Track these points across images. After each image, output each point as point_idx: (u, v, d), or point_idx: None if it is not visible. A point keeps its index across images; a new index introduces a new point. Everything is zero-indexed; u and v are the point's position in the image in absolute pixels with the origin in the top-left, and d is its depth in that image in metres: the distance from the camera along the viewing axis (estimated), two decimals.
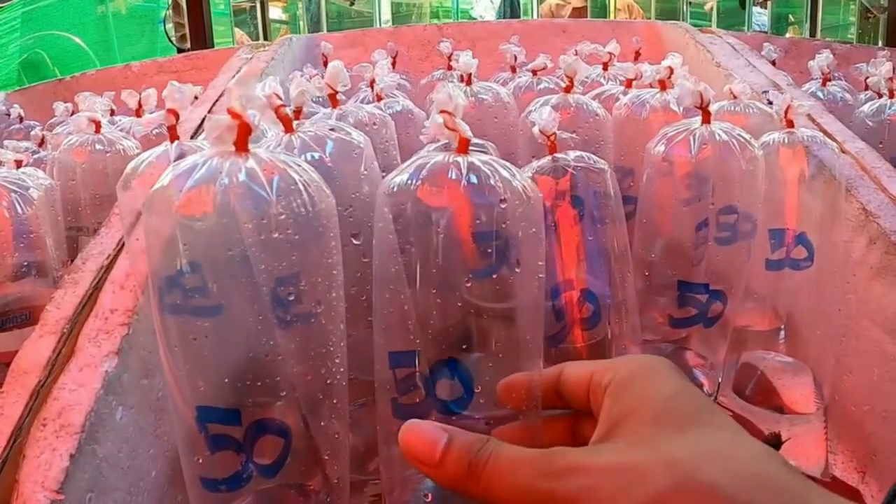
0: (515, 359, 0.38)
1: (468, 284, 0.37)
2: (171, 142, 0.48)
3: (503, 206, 0.37)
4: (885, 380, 0.62)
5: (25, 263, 0.67)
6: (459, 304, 0.37)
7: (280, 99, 0.43)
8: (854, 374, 0.67)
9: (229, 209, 0.32)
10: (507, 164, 0.40)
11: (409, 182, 0.37)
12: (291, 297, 0.34)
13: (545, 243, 0.41)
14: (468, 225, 0.37)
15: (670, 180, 0.63)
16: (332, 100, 0.59)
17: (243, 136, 0.33)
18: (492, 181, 0.37)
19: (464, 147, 0.39)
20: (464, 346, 0.38)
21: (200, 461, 0.35)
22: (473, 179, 0.37)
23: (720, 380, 0.67)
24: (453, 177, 0.37)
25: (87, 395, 0.47)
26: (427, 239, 0.37)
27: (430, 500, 0.39)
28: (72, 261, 0.68)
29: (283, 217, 0.32)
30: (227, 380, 0.35)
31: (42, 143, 1.08)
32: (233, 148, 0.33)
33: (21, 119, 1.24)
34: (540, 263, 0.40)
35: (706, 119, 0.62)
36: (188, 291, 0.33)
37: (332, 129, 0.45)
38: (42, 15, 3.19)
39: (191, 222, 0.32)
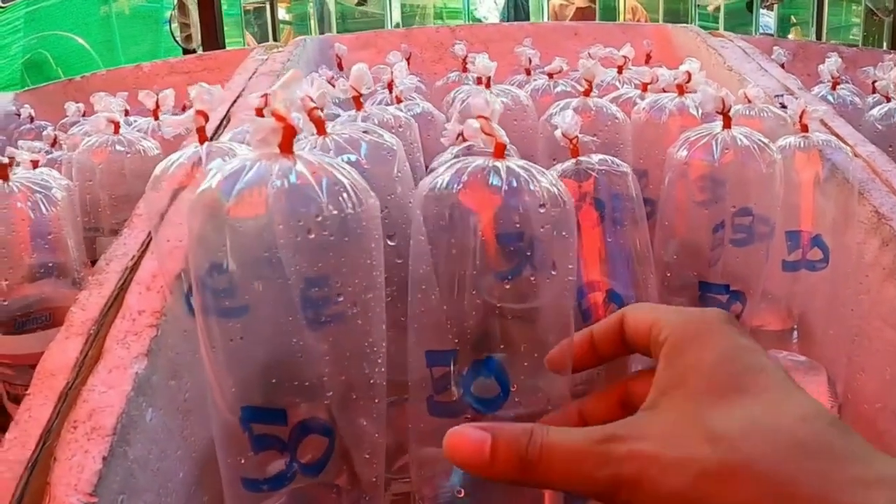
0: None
1: (506, 286, 0.38)
2: (201, 143, 0.48)
3: (542, 210, 0.38)
4: None
5: (46, 264, 0.67)
6: (498, 305, 0.38)
7: (313, 101, 0.43)
8: (867, 373, 0.68)
9: (281, 211, 0.32)
10: (543, 169, 0.40)
11: (450, 185, 0.38)
12: (340, 298, 0.34)
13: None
14: (508, 228, 0.38)
15: (692, 184, 0.63)
16: (357, 102, 0.59)
17: (288, 139, 0.33)
18: (531, 186, 0.38)
19: (500, 152, 0.39)
20: (501, 346, 0.39)
21: (243, 461, 0.36)
22: (514, 184, 0.38)
23: None
24: (494, 182, 0.38)
25: (118, 396, 0.47)
26: (466, 241, 0.38)
27: (462, 495, 0.40)
28: (93, 262, 0.69)
29: (333, 218, 0.33)
30: (271, 380, 0.35)
31: (55, 143, 1.08)
32: (277, 150, 0.33)
33: (32, 119, 1.24)
34: (571, 267, 0.41)
35: (727, 124, 0.62)
36: (234, 293, 0.33)
37: (364, 132, 0.45)
38: (45, 15, 3.19)
39: (241, 224, 0.32)
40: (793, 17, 3.40)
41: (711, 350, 0.31)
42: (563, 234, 0.40)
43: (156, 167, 0.49)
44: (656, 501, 0.28)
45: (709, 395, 0.29)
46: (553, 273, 0.39)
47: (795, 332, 0.73)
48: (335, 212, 0.33)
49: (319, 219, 0.33)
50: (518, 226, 0.38)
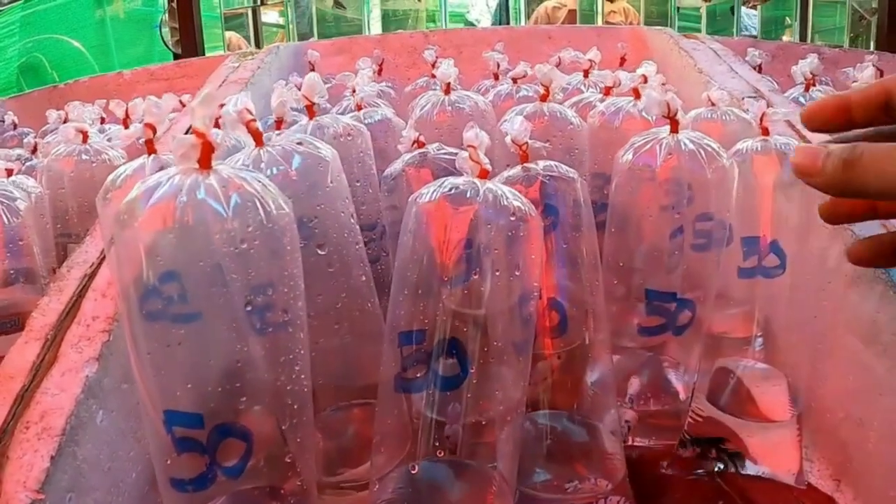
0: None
1: (475, 279, 0.45)
2: (149, 155, 0.50)
3: (512, 218, 0.46)
4: (860, 387, 0.61)
5: (14, 270, 0.68)
6: (466, 294, 0.45)
7: (251, 114, 0.44)
8: (829, 381, 0.67)
9: (188, 225, 0.34)
10: (515, 191, 0.48)
11: (434, 197, 0.46)
12: (255, 308, 0.36)
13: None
14: (482, 235, 0.45)
15: (638, 189, 0.64)
16: (309, 111, 0.61)
17: (206, 154, 0.35)
18: (503, 202, 0.46)
19: (484, 175, 0.48)
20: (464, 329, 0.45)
21: (169, 462, 0.37)
22: (490, 198, 0.46)
23: (694, 385, 0.68)
24: (471, 195, 0.46)
25: (68, 399, 0.48)
26: (446, 242, 0.45)
27: (415, 472, 0.45)
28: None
29: (239, 231, 0.34)
30: (192, 385, 0.36)
31: (35, 150, 1.10)
32: (196, 165, 0.35)
33: (15, 126, 1.25)
34: (537, 272, 0.48)
35: (674, 128, 0.63)
36: (153, 301, 0.35)
37: (299, 143, 0.47)
38: (41, 19, 3.21)
39: (153, 236, 0.34)
40: (787, 19, 3.39)
41: None
42: (533, 242, 0.48)
43: (107, 178, 0.51)
44: None
45: None
46: (517, 273, 0.46)
47: (760, 339, 0.72)
48: (241, 225, 0.34)
49: (222, 235, 0.34)
50: (492, 233, 0.45)
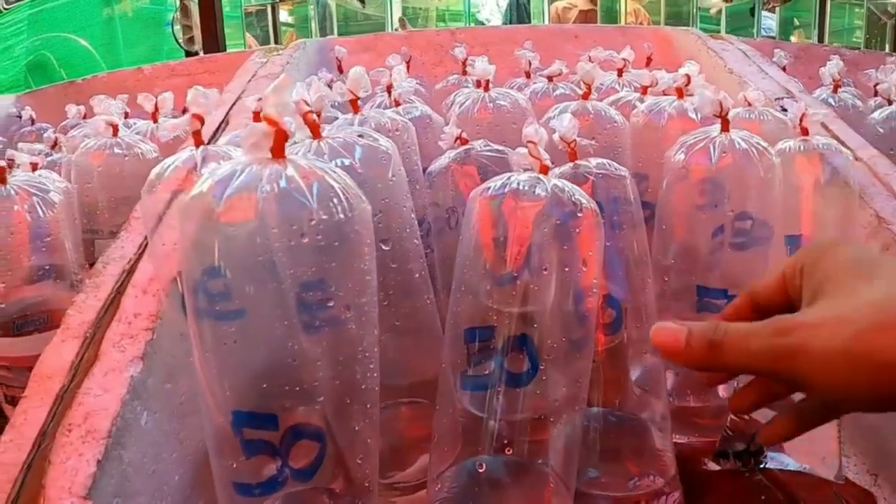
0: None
1: (545, 274, 0.44)
2: (196, 146, 0.48)
3: (579, 216, 0.45)
4: None
5: (44, 266, 0.67)
6: (536, 289, 0.44)
7: (308, 105, 0.43)
8: None
9: (271, 215, 0.32)
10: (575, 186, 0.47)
11: (502, 191, 0.45)
12: (329, 303, 0.34)
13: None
14: (549, 230, 0.44)
15: (689, 187, 0.63)
16: (354, 105, 0.59)
17: (280, 144, 0.33)
18: (570, 197, 0.46)
19: (544, 170, 0.47)
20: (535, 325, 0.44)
21: (235, 466, 0.35)
22: (558, 194, 0.45)
23: (736, 385, 0.67)
24: (540, 192, 0.45)
25: (113, 399, 0.47)
26: (513, 237, 0.44)
27: (480, 469, 0.44)
28: (91, 265, 0.69)
29: (322, 223, 0.33)
30: (262, 385, 0.35)
31: (55, 145, 1.08)
32: (269, 155, 0.33)
33: (33, 121, 1.24)
34: (598, 268, 0.48)
35: (725, 127, 0.62)
36: (225, 297, 0.33)
37: (359, 136, 0.45)
38: (48, 17, 3.19)
39: (231, 228, 0.32)
40: (795, 20, 3.40)
41: (847, 254, 0.37)
42: (591, 239, 0.47)
43: (152, 170, 0.49)
44: (817, 364, 0.33)
45: (858, 278, 0.35)
46: (584, 269, 0.46)
47: None
48: (325, 216, 0.33)
49: (311, 223, 0.33)
50: (559, 227, 0.44)
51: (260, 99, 0.61)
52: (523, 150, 0.48)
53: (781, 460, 0.61)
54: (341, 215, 0.33)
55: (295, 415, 0.35)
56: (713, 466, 0.62)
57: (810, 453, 0.62)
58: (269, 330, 0.35)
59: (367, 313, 0.36)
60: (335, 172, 0.34)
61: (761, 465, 0.61)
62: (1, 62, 2.97)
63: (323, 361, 0.35)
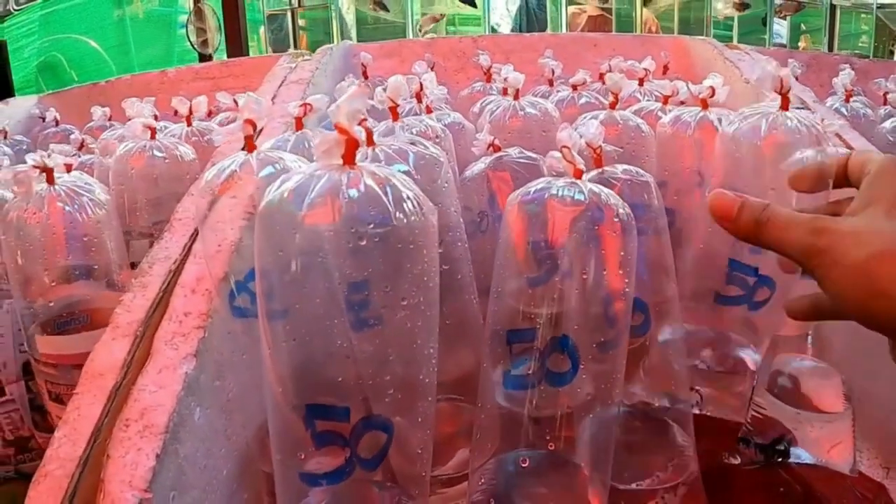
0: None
1: (584, 277, 0.46)
2: (249, 151, 0.50)
3: (616, 220, 0.47)
4: None
5: (85, 266, 0.68)
6: (577, 291, 0.45)
7: (363, 112, 0.44)
8: (880, 376, 0.69)
9: (351, 219, 0.34)
10: (610, 191, 0.49)
11: (539, 196, 0.47)
12: (403, 301, 0.36)
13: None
14: (588, 232, 0.46)
15: (740, 164, 0.64)
16: (393, 113, 0.61)
17: (351, 151, 0.35)
18: (609, 201, 0.47)
19: (578, 174, 0.49)
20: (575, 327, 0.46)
21: (303, 457, 0.37)
22: (595, 198, 0.47)
23: (755, 381, 0.69)
24: (577, 196, 0.47)
25: (169, 396, 0.48)
26: (551, 240, 0.46)
27: (524, 463, 0.47)
28: (132, 265, 0.70)
29: (399, 226, 0.35)
30: (336, 378, 0.36)
31: (82, 146, 1.10)
32: (340, 161, 0.35)
33: (57, 122, 1.26)
34: (632, 271, 0.50)
35: (785, 105, 0.62)
36: (301, 296, 0.35)
37: (411, 143, 0.47)
38: (59, 18, 3.21)
39: (313, 231, 0.34)
40: (803, 25, 3.42)
41: None
42: (626, 243, 0.49)
43: (204, 173, 0.51)
44: (838, 270, 0.37)
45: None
46: (619, 272, 0.48)
47: (810, 338, 0.75)
48: (402, 220, 0.35)
49: (387, 227, 0.34)
50: (595, 231, 0.46)
51: (302, 105, 0.63)
52: (557, 154, 0.50)
53: (797, 454, 0.63)
54: (414, 218, 0.35)
55: (365, 407, 0.37)
56: (732, 461, 0.64)
57: (828, 447, 0.64)
58: (340, 327, 0.36)
59: (429, 313, 0.38)
60: (403, 178, 0.36)
61: (779, 459, 0.62)
62: (12, 63, 3.00)
63: (390, 357, 0.37)
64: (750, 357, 0.70)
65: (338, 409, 0.36)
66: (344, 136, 0.35)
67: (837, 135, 0.89)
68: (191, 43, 2.21)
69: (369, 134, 0.45)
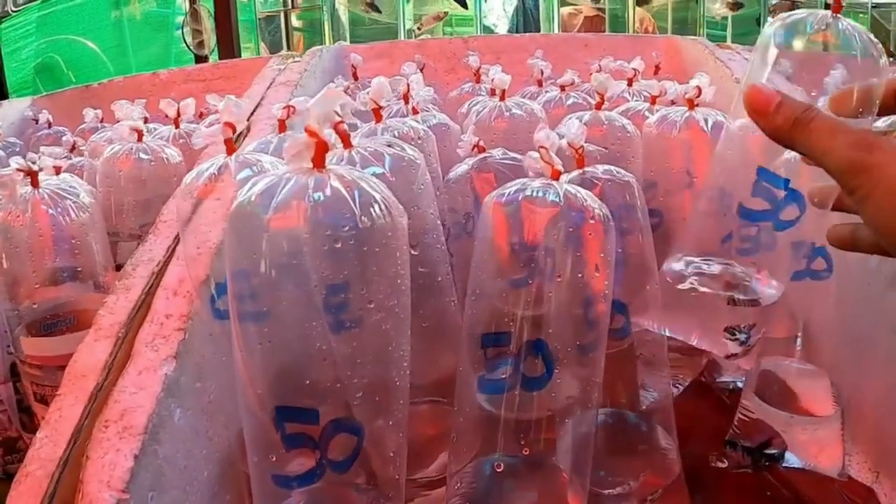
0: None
1: (559, 279, 0.45)
2: (229, 154, 0.50)
3: (592, 221, 0.46)
4: None
5: (71, 268, 0.69)
6: (552, 294, 0.45)
7: (339, 115, 0.44)
8: (870, 379, 0.69)
9: (316, 222, 0.34)
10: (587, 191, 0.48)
11: (514, 197, 0.46)
12: (371, 304, 0.36)
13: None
14: (563, 235, 0.46)
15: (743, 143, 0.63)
16: (377, 114, 0.61)
17: (321, 154, 0.35)
18: (584, 203, 0.47)
19: (556, 175, 0.48)
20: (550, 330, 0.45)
21: (275, 459, 0.37)
22: (571, 199, 0.46)
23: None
24: (552, 197, 0.46)
25: (148, 397, 0.48)
26: (526, 242, 0.46)
27: (498, 468, 0.46)
28: (118, 267, 0.70)
29: (364, 229, 0.35)
30: (304, 381, 0.36)
31: (73, 148, 1.10)
32: (310, 165, 0.35)
33: (49, 124, 1.26)
34: (611, 273, 0.49)
35: None
36: (269, 299, 0.35)
37: (388, 145, 0.47)
38: (57, 19, 3.22)
39: (279, 235, 0.34)
40: None
41: None
42: (604, 244, 0.48)
43: (185, 176, 0.51)
44: (882, 191, 0.34)
45: None
46: (597, 274, 0.47)
47: (799, 340, 0.74)
48: (368, 223, 0.35)
49: (353, 230, 0.34)
50: (570, 232, 0.46)
51: (286, 107, 0.63)
52: (536, 155, 0.50)
53: (785, 457, 0.63)
54: (381, 221, 0.35)
55: (335, 410, 0.37)
56: (720, 464, 0.64)
57: (816, 451, 0.64)
58: (309, 330, 0.36)
59: (401, 315, 0.38)
60: (373, 181, 0.36)
61: (767, 463, 0.62)
62: (9, 64, 3.00)
63: (360, 360, 0.37)
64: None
65: (307, 412, 0.36)
66: (314, 139, 0.35)
67: None
68: (187, 44, 2.21)
69: (346, 136, 0.45)
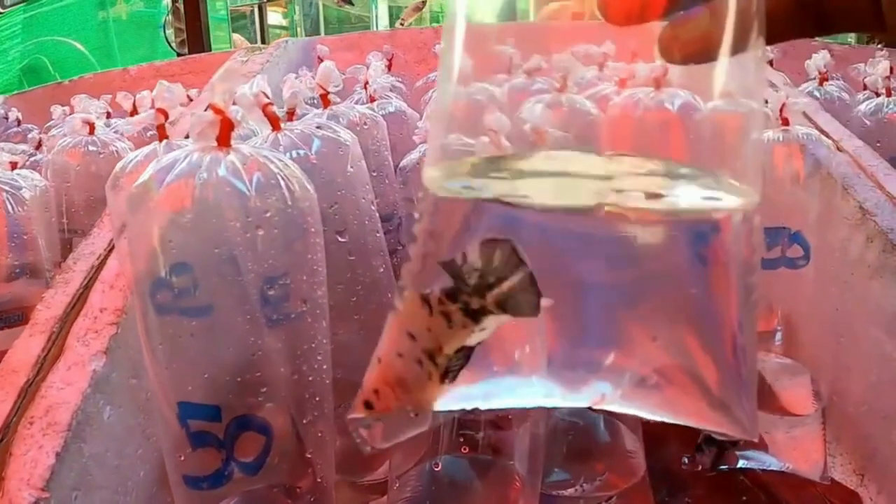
0: None
1: None
2: (160, 141, 0.48)
3: None
4: (884, 380, 0.61)
5: (18, 264, 0.67)
6: None
7: (267, 97, 0.43)
8: (853, 374, 0.67)
9: (209, 204, 0.32)
10: None
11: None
12: (274, 295, 0.34)
13: None
14: None
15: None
16: (324, 100, 0.59)
17: (226, 132, 0.33)
18: None
19: None
20: None
21: (183, 458, 0.35)
22: None
23: None
24: None
25: (74, 393, 0.46)
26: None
27: (438, 468, 0.44)
28: None
29: (262, 212, 0.33)
30: (209, 377, 0.35)
31: (39, 146, 1.08)
32: (215, 143, 0.33)
33: (19, 122, 1.24)
34: None
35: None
36: (171, 290, 0.33)
37: (318, 127, 0.45)
38: (43, 20, 3.20)
39: (171, 217, 0.32)
40: None
41: None
42: None
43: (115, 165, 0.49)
44: None
45: None
46: None
47: (779, 334, 0.72)
48: (264, 205, 0.33)
49: (245, 214, 0.33)
50: None
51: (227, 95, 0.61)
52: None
53: (763, 460, 0.61)
54: (281, 204, 0.33)
55: (239, 406, 0.35)
56: (693, 467, 0.62)
57: (796, 453, 0.62)
58: (213, 323, 0.34)
59: (319, 306, 0.36)
60: (281, 162, 0.34)
61: (740, 466, 0.60)
62: None
63: (274, 355, 0.35)
64: None
65: (207, 408, 0.34)
66: (219, 117, 0.33)
67: (804, 114, 0.87)
68: (168, 43, 2.20)
69: (275, 118, 0.43)
